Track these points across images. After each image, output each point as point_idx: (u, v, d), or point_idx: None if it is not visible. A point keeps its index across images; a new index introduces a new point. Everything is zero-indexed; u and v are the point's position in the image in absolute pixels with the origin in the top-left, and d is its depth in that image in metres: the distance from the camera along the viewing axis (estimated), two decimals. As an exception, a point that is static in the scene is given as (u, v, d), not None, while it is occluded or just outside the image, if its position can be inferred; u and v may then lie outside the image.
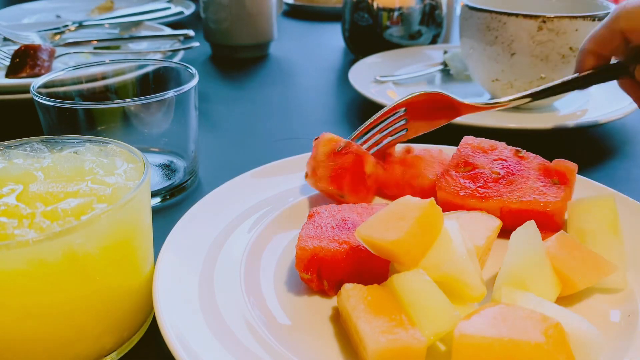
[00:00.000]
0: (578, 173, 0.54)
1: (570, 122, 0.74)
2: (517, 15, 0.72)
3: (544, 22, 0.71)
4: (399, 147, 0.61)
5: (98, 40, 0.97)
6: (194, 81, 0.59)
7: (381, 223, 0.41)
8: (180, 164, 0.63)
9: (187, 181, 0.63)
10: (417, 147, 0.61)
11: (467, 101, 0.60)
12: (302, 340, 0.40)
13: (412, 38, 1.10)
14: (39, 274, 0.33)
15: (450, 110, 0.60)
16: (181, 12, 1.36)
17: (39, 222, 0.34)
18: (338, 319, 0.42)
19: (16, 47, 0.86)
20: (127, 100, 0.55)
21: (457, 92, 0.89)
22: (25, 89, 0.75)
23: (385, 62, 1.00)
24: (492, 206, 0.50)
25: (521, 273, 0.40)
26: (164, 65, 0.65)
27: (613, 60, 0.62)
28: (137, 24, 1.14)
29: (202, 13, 1.17)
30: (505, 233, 0.47)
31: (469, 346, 0.33)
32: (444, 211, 0.45)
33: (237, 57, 1.18)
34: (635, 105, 0.76)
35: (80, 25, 1.07)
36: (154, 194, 0.60)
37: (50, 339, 0.36)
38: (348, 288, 0.39)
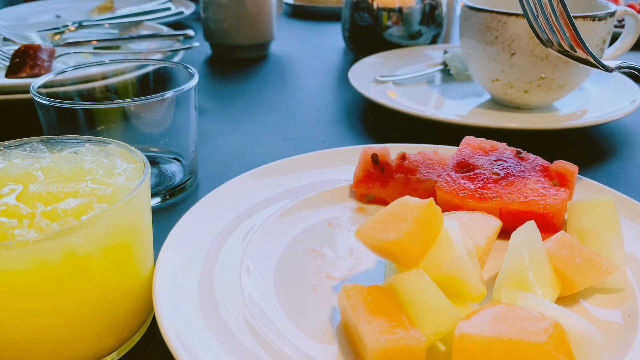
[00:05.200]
0: (578, 173, 0.54)
1: (570, 122, 0.74)
2: (517, 15, 0.72)
3: (544, 22, 0.71)
4: (394, 155, 0.60)
5: (98, 40, 0.97)
6: (194, 81, 0.59)
7: (381, 223, 0.41)
8: (180, 164, 0.63)
9: (187, 181, 0.63)
10: (411, 151, 0.61)
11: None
12: (302, 340, 0.40)
13: (412, 38, 1.10)
14: (38, 274, 0.33)
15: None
16: (181, 12, 1.36)
17: (39, 222, 0.34)
18: (338, 319, 0.42)
19: (16, 47, 0.86)
20: (127, 100, 0.55)
21: (457, 92, 0.90)
22: (25, 89, 0.75)
23: (385, 62, 1.00)
24: (491, 207, 0.50)
25: (521, 273, 0.40)
26: (164, 65, 0.65)
27: None
28: (137, 24, 1.14)
29: (202, 13, 1.17)
30: (505, 233, 0.47)
31: (469, 346, 0.33)
32: (443, 211, 0.45)
33: (237, 57, 1.18)
34: (635, 105, 0.76)
35: (80, 25, 1.07)
36: (154, 194, 0.60)
37: (50, 339, 0.36)
38: (348, 288, 0.39)
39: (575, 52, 0.50)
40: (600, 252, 0.45)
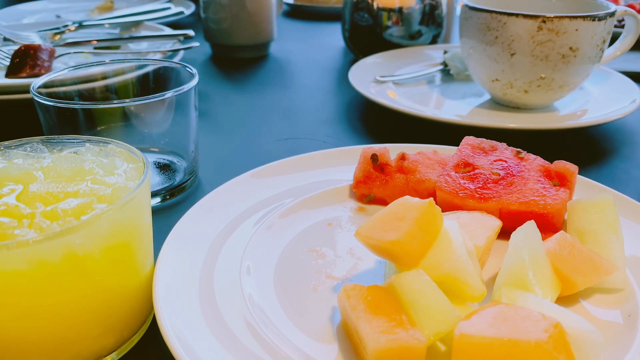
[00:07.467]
0: (578, 173, 0.54)
1: (570, 122, 0.74)
2: (517, 15, 0.72)
3: (544, 22, 0.71)
4: (394, 155, 0.60)
5: (98, 40, 0.97)
6: (194, 81, 0.59)
7: (381, 224, 0.41)
8: (180, 164, 0.63)
9: (187, 181, 0.63)
10: (411, 152, 0.61)
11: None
12: (302, 340, 0.40)
13: (412, 38, 1.10)
14: (38, 274, 0.33)
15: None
16: (181, 12, 1.36)
17: (39, 222, 0.34)
18: (338, 319, 0.42)
19: (16, 47, 0.86)
20: (127, 100, 0.55)
21: (457, 92, 0.90)
22: (25, 89, 0.75)
23: (385, 62, 1.00)
24: (491, 207, 0.50)
25: (521, 273, 0.40)
26: (164, 65, 0.65)
27: None
28: (137, 24, 1.14)
29: (202, 13, 1.17)
30: (505, 233, 0.47)
31: (469, 346, 0.33)
32: (443, 211, 0.45)
33: (237, 57, 1.18)
34: (635, 105, 0.76)
35: (80, 25, 1.07)
36: (154, 194, 0.60)
37: (50, 339, 0.36)
38: (348, 288, 0.39)
39: None
40: (600, 252, 0.45)
